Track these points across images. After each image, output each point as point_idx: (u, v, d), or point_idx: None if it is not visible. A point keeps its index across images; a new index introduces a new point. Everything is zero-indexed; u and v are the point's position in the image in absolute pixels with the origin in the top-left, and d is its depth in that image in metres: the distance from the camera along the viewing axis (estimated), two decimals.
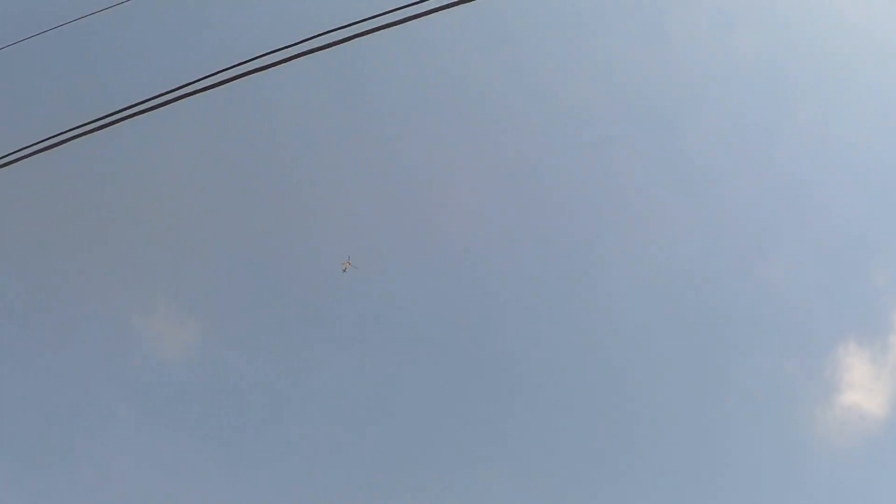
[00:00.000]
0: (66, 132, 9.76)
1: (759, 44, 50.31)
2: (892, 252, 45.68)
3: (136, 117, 9.83)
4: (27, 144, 9.86)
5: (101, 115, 9.81)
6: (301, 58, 9.36)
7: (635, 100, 50.49)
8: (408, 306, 48.27)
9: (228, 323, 47.81)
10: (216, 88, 9.60)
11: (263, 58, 8.95)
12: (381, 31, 9.27)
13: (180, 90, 9.67)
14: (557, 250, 48.95)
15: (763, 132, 49.76)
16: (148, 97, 9.73)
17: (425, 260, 49.36)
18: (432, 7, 9.01)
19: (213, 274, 49.29)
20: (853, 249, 46.26)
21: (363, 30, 9.13)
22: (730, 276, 47.13)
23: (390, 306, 48.22)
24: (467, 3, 8.80)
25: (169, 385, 45.19)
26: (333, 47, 9.39)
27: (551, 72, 50.75)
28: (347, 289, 47.57)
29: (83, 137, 9.89)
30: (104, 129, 9.87)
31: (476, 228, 50.72)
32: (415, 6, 9.05)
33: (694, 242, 47.91)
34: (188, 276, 49.02)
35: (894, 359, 44.20)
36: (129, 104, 9.74)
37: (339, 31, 9.28)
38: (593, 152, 50.24)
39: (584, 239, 48.99)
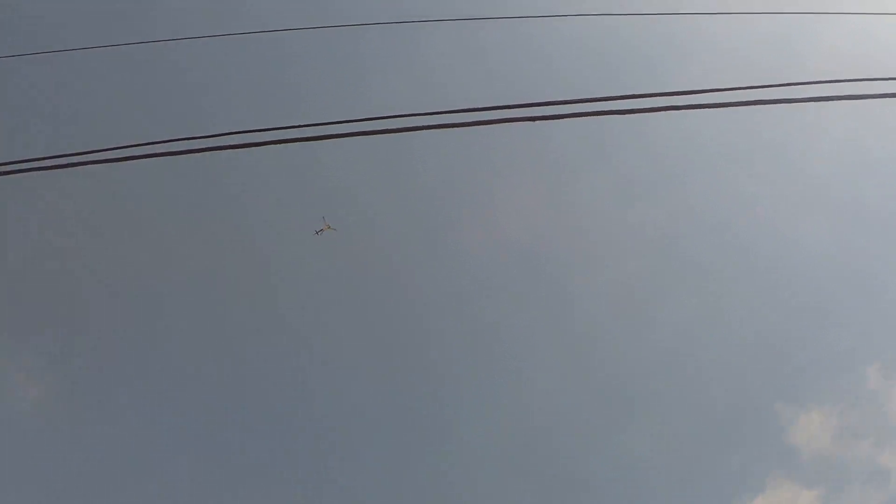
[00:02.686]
0: None
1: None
2: (754, 431, 47.17)
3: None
4: None
5: None
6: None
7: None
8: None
9: (82, 384, 46.76)
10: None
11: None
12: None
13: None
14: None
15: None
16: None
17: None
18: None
19: (75, 333, 48.30)
20: (720, 423, 47.73)
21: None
22: (596, 443, 47.94)
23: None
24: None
25: (14, 437, 44.14)
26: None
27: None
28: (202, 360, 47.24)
29: None
30: None
31: None
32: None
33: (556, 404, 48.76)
34: (50, 331, 48.01)
35: None
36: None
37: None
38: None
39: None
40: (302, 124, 9.81)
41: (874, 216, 50.38)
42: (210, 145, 9.92)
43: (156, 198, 51.06)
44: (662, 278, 51.34)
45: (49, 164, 9.83)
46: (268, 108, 49.61)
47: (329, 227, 45.84)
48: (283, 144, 9.94)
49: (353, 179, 51.54)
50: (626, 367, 48.34)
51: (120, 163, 9.93)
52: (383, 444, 46.70)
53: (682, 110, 7.60)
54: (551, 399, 47.92)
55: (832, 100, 8.42)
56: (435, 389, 48.49)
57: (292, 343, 49.22)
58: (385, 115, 9.63)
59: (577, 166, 53.16)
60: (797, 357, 47.92)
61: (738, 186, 52.12)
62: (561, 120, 10.13)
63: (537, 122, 9.64)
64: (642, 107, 8.18)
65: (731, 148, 52.37)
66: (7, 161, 9.86)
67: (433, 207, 52.53)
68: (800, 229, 50.80)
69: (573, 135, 50.58)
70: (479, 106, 10.37)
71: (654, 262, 51.77)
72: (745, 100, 7.47)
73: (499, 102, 9.98)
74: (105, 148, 10.02)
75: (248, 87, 51.75)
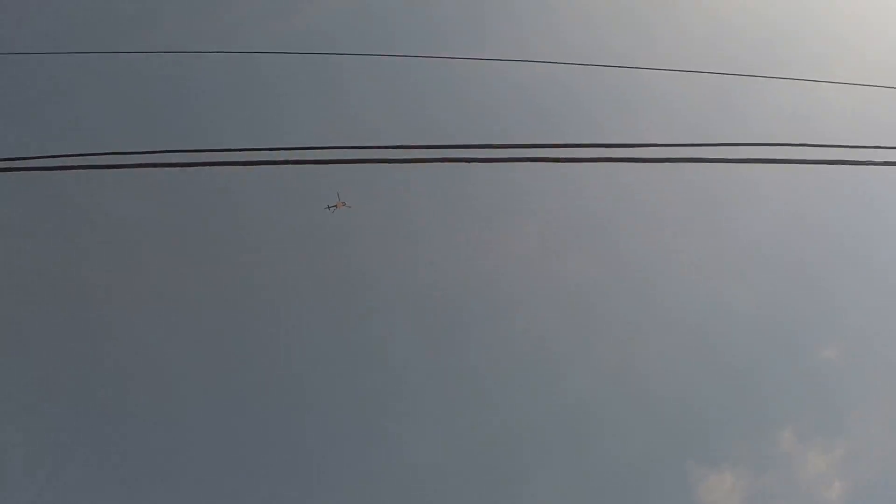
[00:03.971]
0: None
1: None
2: (663, 488, 47.15)
3: None
4: None
5: None
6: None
7: None
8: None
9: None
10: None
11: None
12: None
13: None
14: None
15: None
16: None
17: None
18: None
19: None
20: (630, 479, 47.63)
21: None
22: None
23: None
24: None
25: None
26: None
27: None
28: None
29: None
30: None
31: None
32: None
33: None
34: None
35: None
36: None
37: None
38: None
39: None
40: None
41: (800, 282, 51.25)
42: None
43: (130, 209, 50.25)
44: (579, 330, 51.34)
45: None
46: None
47: (343, 205, 43.52)
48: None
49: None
50: (533, 421, 48.00)
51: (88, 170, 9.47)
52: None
53: (616, 162, 7.45)
54: (448, 451, 47.15)
55: (769, 162, 8.31)
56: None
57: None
58: (306, 147, 9.31)
59: (506, 210, 53.14)
60: (711, 416, 48.18)
61: (667, 242, 52.57)
62: (493, 163, 9.92)
63: (471, 164, 9.44)
64: (576, 156, 8.00)
65: (663, 204, 52.88)
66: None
67: (348, 245, 51.76)
68: (725, 289, 51.41)
69: (504, 179, 50.61)
70: (413, 144, 10.10)
71: (571, 313, 51.71)
72: (681, 156, 7.33)
73: (431, 142, 9.76)
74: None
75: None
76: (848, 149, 8.57)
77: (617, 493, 45.79)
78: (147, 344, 47.68)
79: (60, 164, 9.37)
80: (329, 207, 43.95)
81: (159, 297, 49.77)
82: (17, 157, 9.40)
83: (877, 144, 8.95)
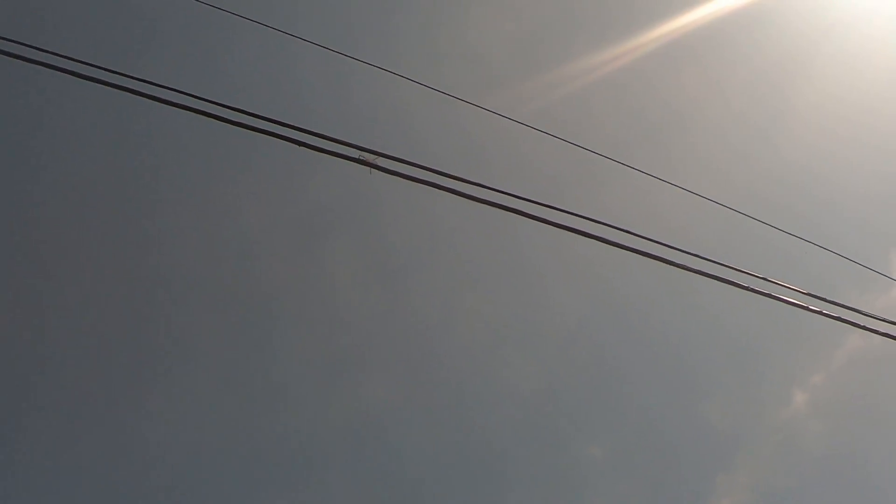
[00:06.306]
0: None
1: None
2: None
3: None
4: None
5: None
6: None
7: None
8: None
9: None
10: None
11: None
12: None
13: None
14: None
15: None
16: None
17: None
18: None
19: None
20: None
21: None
22: None
23: None
24: None
25: None
26: None
27: None
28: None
29: None
30: None
31: None
32: None
33: None
34: None
35: None
36: None
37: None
38: None
39: None
40: None
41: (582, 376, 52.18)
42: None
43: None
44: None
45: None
46: None
47: (375, 159, 40.21)
48: None
49: None
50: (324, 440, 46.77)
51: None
52: None
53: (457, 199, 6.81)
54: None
55: (622, 249, 7.97)
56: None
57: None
58: None
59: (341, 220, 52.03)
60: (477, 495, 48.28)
61: (469, 299, 52.45)
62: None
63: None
64: (429, 180, 7.28)
65: (495, 256, 52.86)
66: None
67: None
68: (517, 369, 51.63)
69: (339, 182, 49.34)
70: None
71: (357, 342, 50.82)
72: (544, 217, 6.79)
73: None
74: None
75: None
76: (707, 262, 8.37)
77: None
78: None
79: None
80: (360, 157, 41.22)
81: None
82: None
83: (735, 267, 8.68)
